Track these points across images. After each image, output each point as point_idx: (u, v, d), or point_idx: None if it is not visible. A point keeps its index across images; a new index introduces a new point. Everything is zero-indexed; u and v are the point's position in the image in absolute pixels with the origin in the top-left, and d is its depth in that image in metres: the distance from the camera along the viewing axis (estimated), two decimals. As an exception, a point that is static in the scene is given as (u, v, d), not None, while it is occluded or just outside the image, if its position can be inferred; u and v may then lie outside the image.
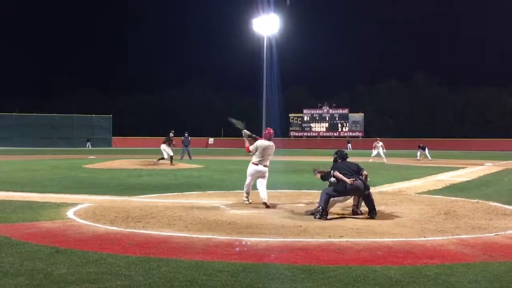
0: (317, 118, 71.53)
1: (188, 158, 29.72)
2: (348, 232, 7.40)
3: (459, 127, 75.84)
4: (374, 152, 32.24)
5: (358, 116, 71.41)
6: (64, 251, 6.05)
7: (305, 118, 72.90)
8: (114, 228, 7.64)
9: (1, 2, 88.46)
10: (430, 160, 32.55)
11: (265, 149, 10.36)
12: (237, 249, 6.34)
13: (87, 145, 59.34)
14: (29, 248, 6.24)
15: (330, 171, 9.20)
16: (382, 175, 19.16)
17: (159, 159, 24.25)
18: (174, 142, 25.70)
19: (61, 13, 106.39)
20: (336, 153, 9.63)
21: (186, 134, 31.08)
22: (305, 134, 72.60)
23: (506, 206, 10.24)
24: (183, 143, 30.74)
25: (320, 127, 71.81)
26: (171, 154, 24.97)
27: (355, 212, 9.15)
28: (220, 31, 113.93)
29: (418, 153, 34.36)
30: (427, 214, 9.19)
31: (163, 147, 25.02)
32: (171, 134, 25.79)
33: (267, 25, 68.04)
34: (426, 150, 34.17)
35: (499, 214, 9.30)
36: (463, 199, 11.43)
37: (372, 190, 13.24)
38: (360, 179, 8.88)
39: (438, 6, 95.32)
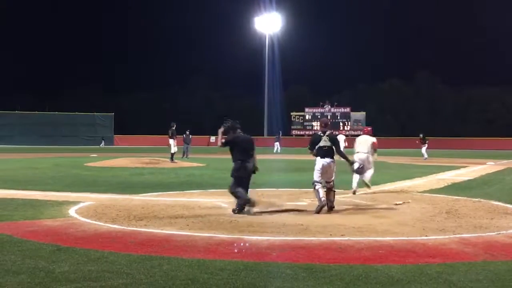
0: (318, 116, 71.37)
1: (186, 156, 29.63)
2: (349, 230, 7.40)
3: (461, 126, 75.63)
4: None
5: (360, 115, 71.30)
6: (65, 249, 6.06)
7: (307, 117, 72.82)
8: (116, 226, 7.65)
9: (2, 1, 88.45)
10: (426, 159, 29.94)
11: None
12: (239, 247, 6.34)
13: (102, 144, 58.93)
14: (31, 246, 6.25)
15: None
16: (385, 173, 19.15)
17: (172, 158, 24.50)
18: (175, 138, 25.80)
19: (63, 12, 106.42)
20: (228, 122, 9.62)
21: (188, 132, 31.02)
22: (307, 132, 72.50)
23: (508, 205, 10.23)
24: (184, 141, 30.71)
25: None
26: (173, 151, 25.03)
27: (329, 207, 9.29)
28: (222, 29, 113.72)
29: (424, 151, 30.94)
30: (428, 213, 9.19)
31: (170, 141, 25.26)
32: (173, 127, 25.86)
33: (269, 24, 68.18)
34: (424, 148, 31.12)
35: (501, 213, 9.29)
36: (465, 198, 11.41)
37: (375, 188, 13.30)
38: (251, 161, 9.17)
39: (440, 4, 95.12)
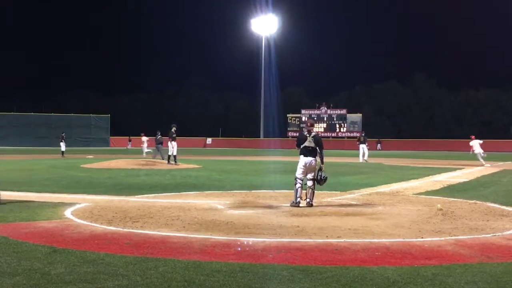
0: (315, 118, 71.45)
1: (160, 158, 27.43)
2: (345, 232, 7.40)
3: (458, 128, 75.87)
4: None
5: (356, 117, 71.37)
6: (61, 251, 6.05)
7: (303, 119, 72.78)
8: (112, 228, 7.63)
9: (1, 2, 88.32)
10: (367, 160, 28.95)
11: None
12: (235, 249, 6.33)
13: (128, 145, 57.69)
14: (26, 247, 6.23)
15: None
16: (380, 175, 19.17)
17: (169, 161, 24.36)
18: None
19: (60, 12, 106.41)
20: None
21: (159, 133, 29.12)
22: (303, 134, 72.50)
23: (504, 207, 10.25)
24: (156, 142, 29.05)
25: (318, 128, 71.85)
26: (170, 153, 25.00)
27: (309, 204, 9.99)
28: (219, 31, 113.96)
29: (361, 152, 29.12)
30: (424, 214, 9.19)
31: (168, 143, 25.20)
32: (171, 129, 25.64)
33: (265, 25, 68.26)
34: (365, 147, 29.43)
35: (497, 215, 9.31)
36: (461, 200, 11.43)
37: (370, 190, 13.30)
38: None
39: (438, 6, 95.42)
